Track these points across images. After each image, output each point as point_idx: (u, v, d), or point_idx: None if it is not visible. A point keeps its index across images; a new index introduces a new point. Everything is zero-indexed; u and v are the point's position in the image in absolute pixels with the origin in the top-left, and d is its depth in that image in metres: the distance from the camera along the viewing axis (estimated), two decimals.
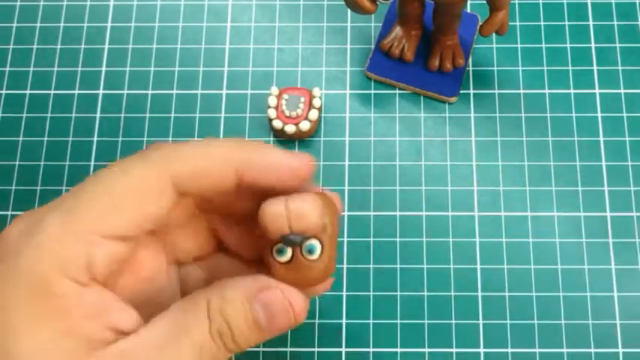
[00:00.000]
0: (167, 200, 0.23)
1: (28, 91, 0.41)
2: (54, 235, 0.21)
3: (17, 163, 0.39)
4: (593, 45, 0.41)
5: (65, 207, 0.22)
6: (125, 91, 0.41)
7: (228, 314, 0.22)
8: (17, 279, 0.21)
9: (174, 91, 0.41)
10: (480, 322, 0.36)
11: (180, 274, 0.27)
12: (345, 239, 0.37)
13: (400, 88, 0.40)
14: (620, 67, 0.40)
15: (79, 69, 0.41)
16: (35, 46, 0.42)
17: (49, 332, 0.20)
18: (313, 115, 0.38)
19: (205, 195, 0.24)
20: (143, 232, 0.23)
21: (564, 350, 0.35)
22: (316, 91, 0.39)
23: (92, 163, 0.39)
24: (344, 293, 0.36)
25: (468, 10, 0.42)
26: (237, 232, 0.27)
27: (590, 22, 0.42)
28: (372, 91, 0.41)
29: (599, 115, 0.39)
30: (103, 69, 0.41)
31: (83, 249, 0.21)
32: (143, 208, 0.22)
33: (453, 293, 0.36)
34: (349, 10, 0.35)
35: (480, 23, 0.37)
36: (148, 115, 0.40)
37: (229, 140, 0.24)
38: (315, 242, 0.23)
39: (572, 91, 0.40)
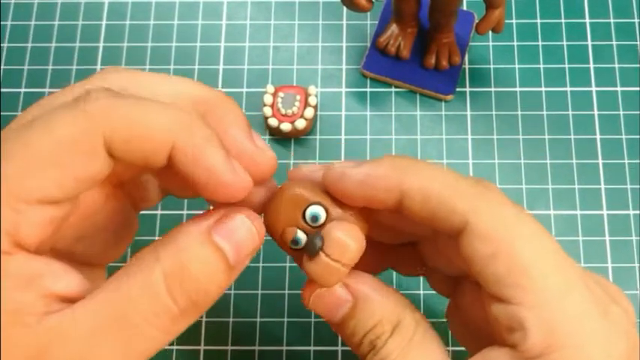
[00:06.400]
0: (101, 163, 0.20)
1: (22, 90, 0.41)
2: None
3: None
4: (589, 42, 0.41)
5: None
6: None
7: (185, 264, 0.20)
8: None
9: None
10: None
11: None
12: None
13: (396, 86, 0.40)
14: (616, 65, 0.40)
15: (74, 67, 0.41)
16: (30, 45, 0.42)
17: None
18: (309, 113, 0.38)
19: (137, 165, 0.21)
20: (78, 192, 0.20)
21: None
22: (312, 89, 0.39)
23: None
24: None
25: (465, 8, 0.42)
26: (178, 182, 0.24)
27: (587, 20, 0.41)
28: (368, 89, 0.40)
29: (596, 112, 0.39)
30: (98, 67, 0.41)
31: (5, 217, 0.18)
32: (71, 171, 0.19)
33: None
34: (345, 8, 0.35)
35: (477, 21, 0.37)
36: None
37: (173, 106, 0.20)
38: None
39: (568, 88, 0.40)
